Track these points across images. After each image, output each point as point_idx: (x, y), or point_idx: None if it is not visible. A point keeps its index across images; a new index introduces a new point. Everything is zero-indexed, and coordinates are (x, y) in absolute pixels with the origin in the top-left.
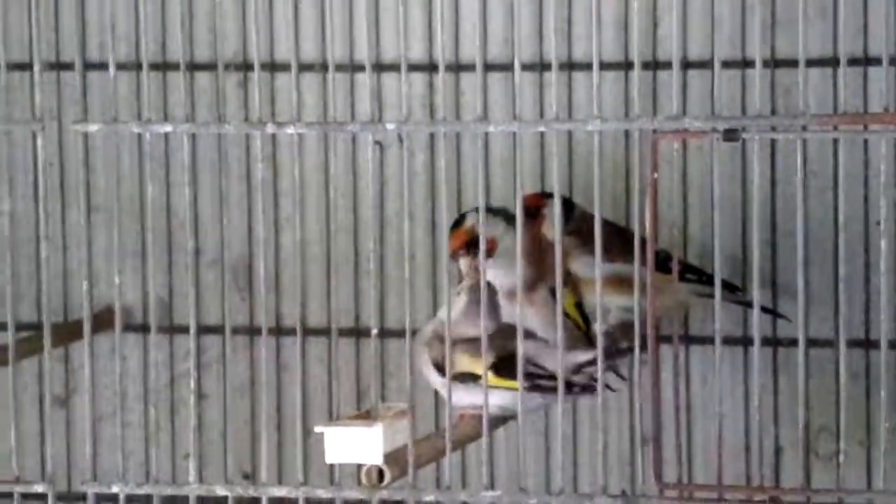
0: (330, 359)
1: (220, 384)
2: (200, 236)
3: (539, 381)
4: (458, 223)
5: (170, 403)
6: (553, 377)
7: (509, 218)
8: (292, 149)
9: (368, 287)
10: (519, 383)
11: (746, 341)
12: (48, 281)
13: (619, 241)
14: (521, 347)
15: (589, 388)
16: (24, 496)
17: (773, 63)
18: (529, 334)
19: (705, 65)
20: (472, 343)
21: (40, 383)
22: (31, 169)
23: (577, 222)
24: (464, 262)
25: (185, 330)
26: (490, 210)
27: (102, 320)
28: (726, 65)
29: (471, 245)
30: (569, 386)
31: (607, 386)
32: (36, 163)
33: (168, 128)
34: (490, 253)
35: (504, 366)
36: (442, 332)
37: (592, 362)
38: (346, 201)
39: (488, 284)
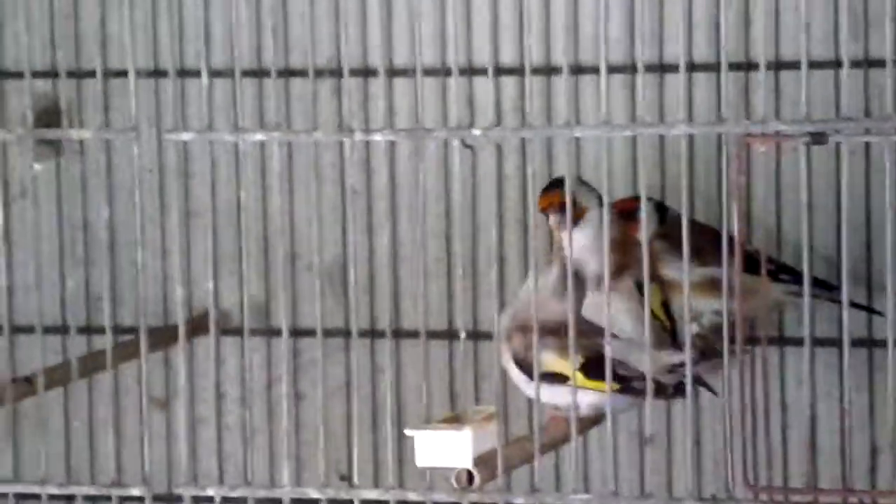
0: (425, 362)
1: (317, 387)
2: (295, 241)
3: (631, 382)
4: (553, 185)
5: (267, 406)
6: (645, 378)
7: (601, 199)
8: (384, 154)
9: (461, 290)
10: (607, 385)
11: (842, 342)
12: (145, 286)
13: (711, 244)
14: (609, 348)
15: (681, 390)
16: (122, 499)
17: (867, 63)
18: (613, 334)
19: (797, 65)
20: (557, 339)
21: (141, 387)
22: (131, 176)
23: (670, 226)
24: (553, 220)
25: (281, 333)
26: (585, 183)
27: (201, 324)
28: (818, 65)
29: (563, 206)
30: (661, 387)
31: (703, 385)
32: (127, 170)
33: (261, 136)
34: (578, 221)
35: (593, 367)
36: (522, 319)
37: (685, 364)
38: (437, 206)
39: (576, 264)
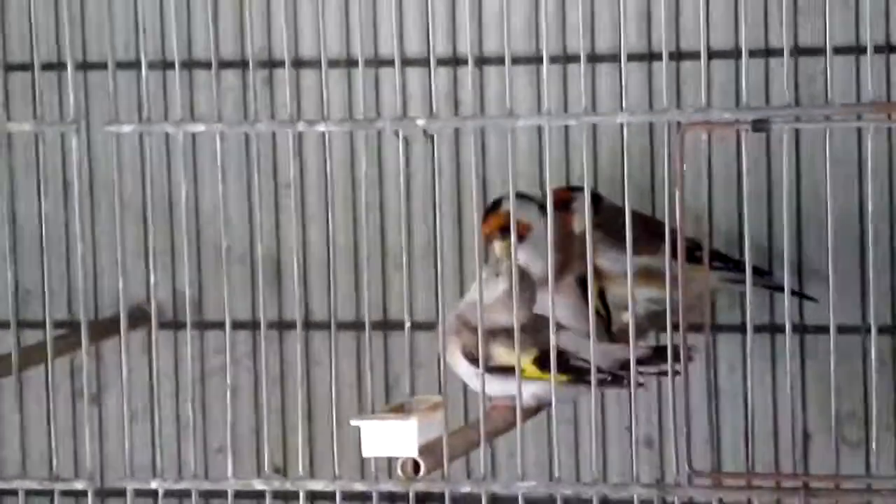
0: (359, 352)
1: (251, 379)
2: (228, 233)
3: (584, 375)
4: (493, 207)
5: (201, 399)
6: (599, 371)
7: (542, 206)
8: (319, 146)
9: (395, 281)
10: (552, 374)
11: (774, 328)
12: (84, 279)
13: (646, 233)
14: (556, 339)
15: (619, 380)
16: (63, 493)
17: (797, 51)
18: (560, 325)
19: (728, 54)
20: (507, 334)
21: (72, 381)
22: (60, 169)
23: (605, 215)
24: (499, 246)
25: (214, 326)
26: (524, 196)
27: (132, 318)
28: (750, 54)
29: (506, 229)
30: (616, 378)
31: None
32: (64, 164)
33: (200, 127)
34: (523, 238)
35: (547, 359)
36: (469, 319)
37: (641, 361)
38: (372, 197)
39: (522, 273)
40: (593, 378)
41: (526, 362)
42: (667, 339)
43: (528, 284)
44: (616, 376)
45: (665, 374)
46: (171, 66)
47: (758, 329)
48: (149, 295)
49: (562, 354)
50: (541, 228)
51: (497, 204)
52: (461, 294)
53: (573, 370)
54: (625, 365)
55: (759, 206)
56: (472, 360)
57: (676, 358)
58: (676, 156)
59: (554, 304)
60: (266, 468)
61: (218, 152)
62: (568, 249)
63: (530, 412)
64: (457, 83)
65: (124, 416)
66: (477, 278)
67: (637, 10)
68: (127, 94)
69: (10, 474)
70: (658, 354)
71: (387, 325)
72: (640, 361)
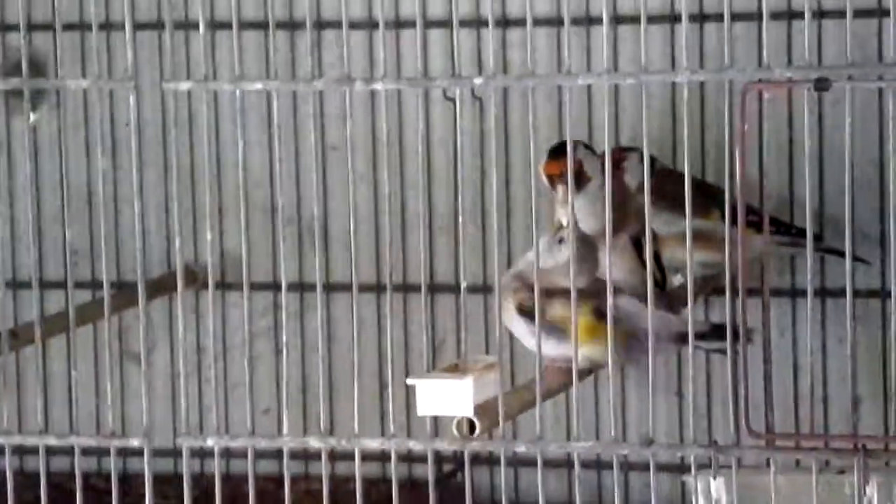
0: (406, 314)
1: (297, 340)
2: (275, 194)
3: (636, 343)
4: (557, 150)
5: (249, 360)
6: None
7: (602, 163)
8: (367, 107)
9: (441, 244)
10: (609, 336)
11: (824, 293)
12: (143, 239)
13: (699, 196)
14: (615, 300)
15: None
16: (119, 451)
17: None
18: (618, 289)
19: (781, 16)
20: (566, 293)
21: (120, 341)
22: (109, 129)
23: (657, 177)
24: (561, 190)
25: (263, 287)
26: (588, 148)
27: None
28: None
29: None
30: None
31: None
32: (112, 123)
33: (257, 85)
34: (582, 187)
35: (603, 314)
36: (528, 278)
37: (699, 336)
38: (420, 158)
39: (585, 238)
40: (650, 345)
41: (583, 318)
42: (718, 304)
43: (590, 250)
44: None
45: (722, 351)
46: (221, 26)
47: (834, 294)
48: (197, 255)
49: (618, 321)
50: (598, 180)
51: (560, 147)
52: (509, 256)
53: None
54: (681, 337)
55: (811, 168)
56: (529, 317)
57: (735, 336)
58: (738, 115)
59: (611, 266)
60: (319, 427)
61: (268, 112)
62: (622, 208)
63: (583, 374)
64: (506, 44)
65: (173, 376)
66: (535, 234)
67: None
68: (175, 55)
69: (62, 431)
70: (716, 331)
71: (433, 288)
72: (698, 336)
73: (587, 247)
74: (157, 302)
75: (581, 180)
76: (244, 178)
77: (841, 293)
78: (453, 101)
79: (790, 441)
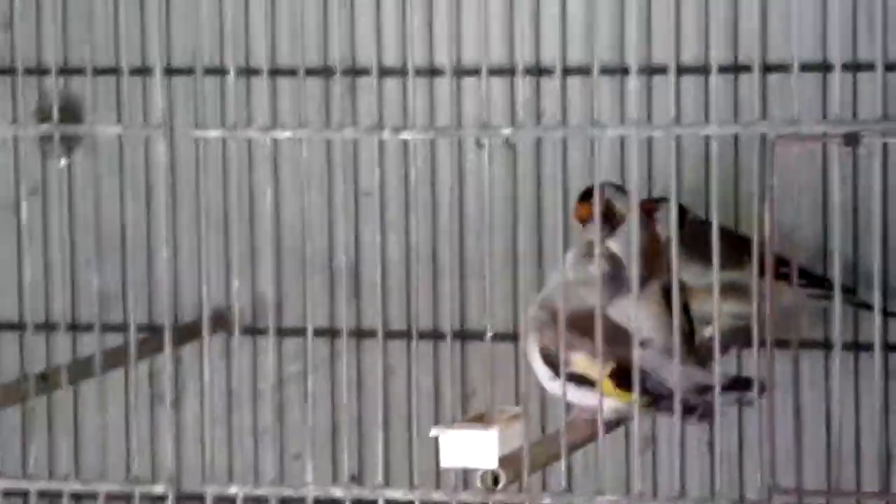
0: (436, 362)
1: (327, 386)
2: (309, 241)
3: (660, 401)
4: (587, 193)
5: (278, 405)
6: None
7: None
8: (400, 154)
9: (474, 291)
10: (634, 394)
11: (858, 346)
12: (171, 283)
13: (730, 247)
14: (637, 355)
15: (708, 414)
16: (142, 497)
17: (886, 67)
18: (647, 341)
19: (816, 67)
20: (590, 341)
21: (151, 385)
22: (143, 174)
23: (689, 228)
24: (592, 230)
25: (293, 333)
26: (619, 188)
27: (212, 323)
28: (839, 68)
29: (603, 216)
30: (689, 409)
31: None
32: (147, 168)
33: (286, 133)
34: (615, 228)
35: (624, 376)
36: (553, 305)
37: (722, 388)
38: (452, 206)
39: (613, 257)
40: (676, 405)
41: (606, 373)
42: (748, 357)
43: (619, 269)
44: (693, 408)
45: (745, 403)
46: (254, 72)
47: (843, 347)
48: (229, 300)
49: (639, 371)
50: (630, 223)
51: (592, 191)
52: None
53: (648, 393)
54: (703, 389)
55: (845, 222)
56: (550, 362)
57: (749, 388)
58: (767, 169)
59: (639, 315)
60: (344, 475)
61: (298, 159)
62: (654, 258)
63: (611, 426)
64: (539, 92)
65: (203, 420)
66: (562, 268)
67: (725, 20)
68: (210, 101)
69: (90, 476)
70: (737, 383)
71: (465, 335)
72: (722, 388)
73: (616, 266)
74: (188, 347)
75: (612, 222)
76: (274, 224)
77: (874, 347)
78: (484, 147)
79: (820, 498)
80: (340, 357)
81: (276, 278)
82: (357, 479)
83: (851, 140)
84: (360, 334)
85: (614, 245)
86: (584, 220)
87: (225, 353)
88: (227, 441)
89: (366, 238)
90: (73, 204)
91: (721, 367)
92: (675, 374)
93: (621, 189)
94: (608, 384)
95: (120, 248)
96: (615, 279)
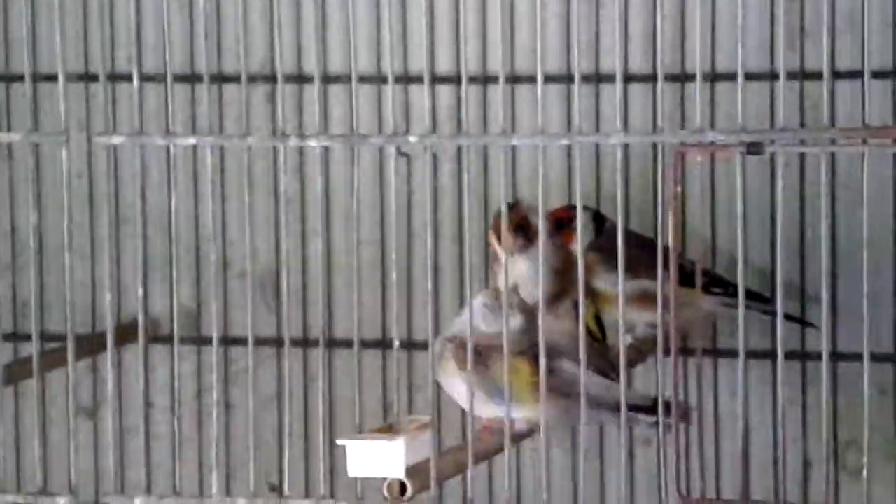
0: (357, 371)
1: (247, 396)
2: (227, 248)
3: (573, 410)
4: (509, 207)
5: (197, 415)
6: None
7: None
8: (318, 161)
9: (395, 299)
10: (542, 398)
11: (775, 355)
12: (73, 292)
13: (646, 255)
14: (559, 366)
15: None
16: None
17: (802, 75)
18: (562, 352)
19: (733, 77)
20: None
21: (68, 395)
22: (61, 181)
23: (606, 236)
24: (507, 242)
25: (212, 342)
26: (534, 208)
27: (130, 332)
28: (754, 77)
29: (520, 228)
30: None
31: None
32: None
33: (192, 140)
34: (531, 243)
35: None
36: (465, 341)
37: (639, 408)
38: (372, 214)
39: (525, 306)
40: (583, 412)
41: (522, 384)
42: (657, 363)
43: (532, 321)
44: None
45: (657, 426)
46: (176, 79)
47: (759, 355)
48: (144, 308)
49: (558, 377)
50: (545, 247)
51: (512, 205)
52: (438, 315)
53: (567, 397)
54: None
55: (762, 231)
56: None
57: (668, 410)
58: (672, 177)
59: (552, 328)
60: (261, 485)
61: (209, 166)
62: (567, 273)
63: (522, 436)
64: (459, 101)
65: (114, 431)
66: (469, 298)
67: (642, 32)
68: (129, 107)
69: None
70: (656, 405)
71: (385, 345)
72: (638, 409)
73: (529, 318)
74: (105, 356)
75: (528, 235)
76: (174, 231)
77: (791, 355)
78: (407, 156)
79: None
80: (261, 366)
81: (195, 287)
82: (277, 489)
83: (754, 149)
84: (279, 343)
85: (527, 263)
86: (499, 233)
87: (144, 363)
88: (146, 452)
89: (285, 246)
90: None
91: (640, 386)
92: (593, 385)
93: (534, 207)
94: (527, 383)
95: (39, 256)
96: (528, 331)
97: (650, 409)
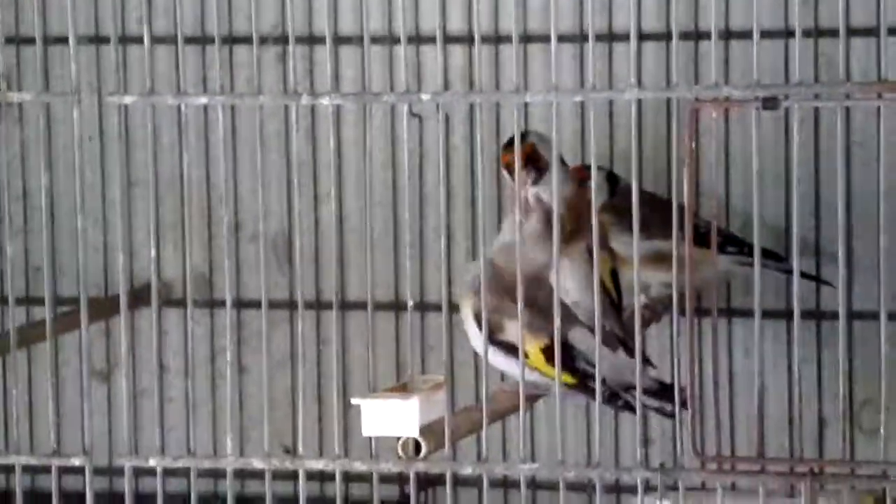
0: (370, 333)
1: (261, 358)
2: (239, 210)
3: (588, 381)
4: (511, 141)
5: (211, 378)
6: (602, 382)
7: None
8: (330, 121)
9: (408, 260)
10: (557, 372)
11: (790, 314)
12: (86, 255)
13: (659, 215)
14: (570, 333)
15: (630, 408)
16: (63, 469)
17: (817, 32)
18: (571, 312)
19: (748, 35)
20: (526, 309)
21: (81, 358)
22: (72, 143)
23: (620, 196)
24: (520, 175)
25: (225, 304)
26: (545, 138)
27: (143, 295)
28: (769, 34)
29: (529, 160)
30: (613, 395)
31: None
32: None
33: (204, 99)
34: (542, 173)
35: (554, 353)
36: (500, 264)
37: (647, 391)
38: (385, 175)
39: (548, 214)
40: (598, 389)
41: (534, 349)
42: (672, 323)
43: (548, 226)
44: (615, 395)
45: (665, 413)
46: (187, 40)
47: (774, 314)
48: (156, 270)
49: (571, 350)
50: (559, 174)
51: (522, 136)
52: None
53: (578, 373)
54: (630, 387)
55: (776, 188)
56: (481, 324)
57: (682, 401)
58: (686, 133)
59: (564, 272)
60: (275, 447)
61: (221, 125)
62: (583, 219)
63: (532, 398)
64: (471, 61)
65: (128, 394)
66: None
67: None
68: (140, 68)
69: (13, 449)
70: (663, 391)
71: (398, 306)
72: (646, 391)
73: (549, 223)
74: (118, 319)
75: (538, 166)
76: (186, 192)
77: (806, 314)
78: (419, 117)
79: (751, 465)
80: (275, 328)
81: (207, 250)
82: (291, 451)
83: (770, 104)
84: (292, 305)
85: (544, 192)
86: (510, 167)
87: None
88: (160, 415)
89: (298, 207)
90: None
91: (655, 346)
92: (605, 362)
93: (546, 138)
94: (539, 358)
95: (48, 219)
96: (548, 237)
97: (657, 394)
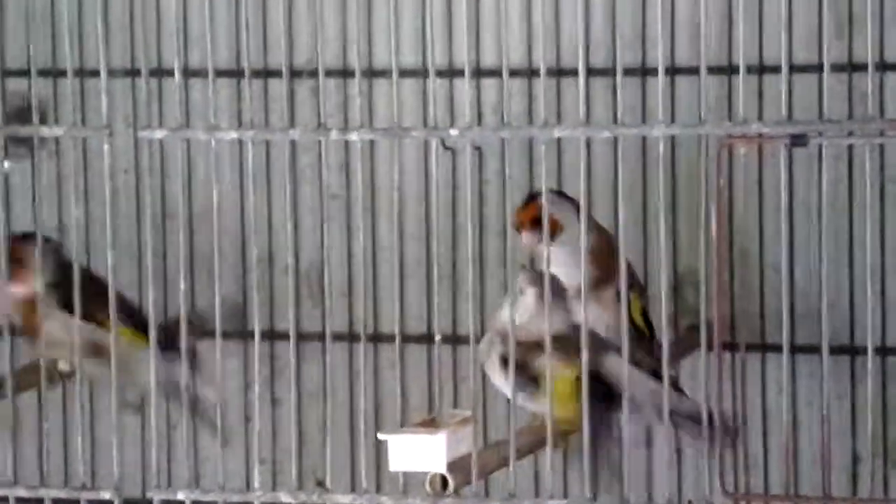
0: (400, 366)
1: (293, 391)
2: (272, 243)
3: (618, 411)
4: (529, 199)
5: (243, 410)
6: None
7: (579, 209)
8: (363, 156)
9: (440, 293)
10: (584, 404)
11: (822, 350)
12: (114, 287)
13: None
14: (603, 363)
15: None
16: (91, 503)
17: (851, 67)
18: (605, 342)
19: (780, 69)
20: (554, 345)
21: (112, 390)
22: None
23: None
24: (527, 237)
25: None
26: (562, 194)
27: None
28: (802, 69)
29: (537, 222)
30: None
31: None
32: (117, 170)
33: (235, 135)
34: (554, 235)
35: (592, 380)
36: (507, 333)
37: (675, 414)
38: (417, 208)
39: (554, 278)
40: (625, 416)
41: (567, 379)
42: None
43: (556, 290)
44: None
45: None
46: (220, 74)
47: (808, 349)
48: (190, 303)
49: (604, 380)
50: (573, 230)
51: (533, 197)
52: (482, 307)
53: (612, 400)
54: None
55: (808, 224)
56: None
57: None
58: (715, 170)
59: (594, 316)
60: (306, 480)
61: (250, 160)
62: (608, 261)
63: (566, 433)
64: (503, 95)
65: (157, 426)
66: (511, 289)
67: (688, 22)
68: (173, 102)
69: (34, 483)
70: (699, 419)
71: (430, 339)
72: (685, 416)
73: (554, 288)
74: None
75: (552, 230)
76: (218, 225)
77: (839, 350)
78: (451, 150)
79: (763, 502)
80: (306, 360)
81: (241, 282)
82: (324, 484)
83: (799, 141)
84: (324, 337)
85: (557, 256)
86: (519, 228)
87: (185, 358)
88: (194, 447)
89: (330, 241)
90: (35, 205)
91: (693, 399)
92: (641, 388)
93: (562, 194)
94: (568, 385)
95: (81, 251)
96: (554, 304)
97: (694, 420)
